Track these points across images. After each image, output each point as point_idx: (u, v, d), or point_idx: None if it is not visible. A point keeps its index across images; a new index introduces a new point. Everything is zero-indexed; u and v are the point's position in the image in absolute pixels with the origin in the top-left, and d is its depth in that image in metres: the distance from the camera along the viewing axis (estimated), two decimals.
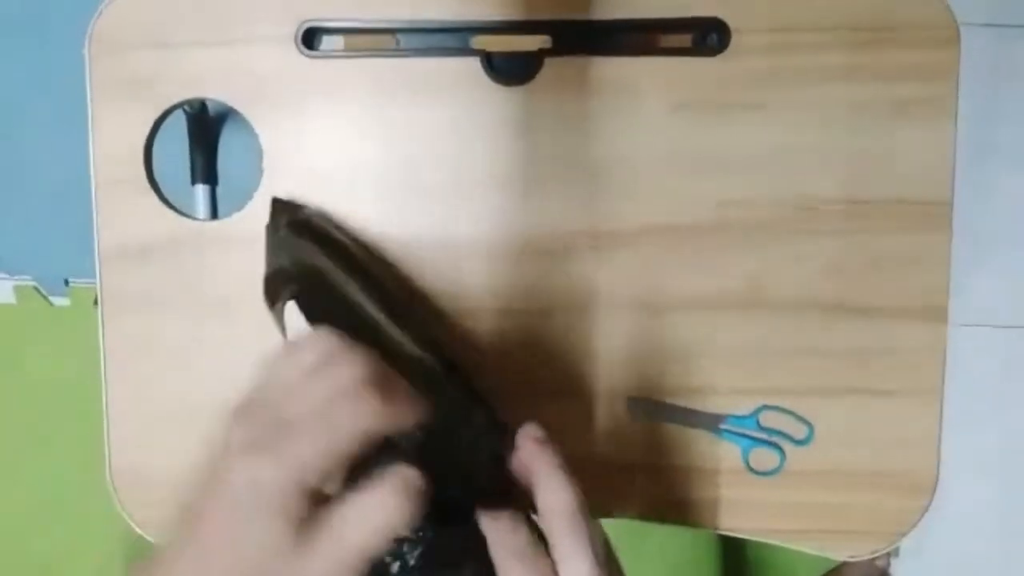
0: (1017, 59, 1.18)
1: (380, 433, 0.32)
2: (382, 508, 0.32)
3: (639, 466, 0.61)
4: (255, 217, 0.60)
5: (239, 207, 0.60)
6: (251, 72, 0.59)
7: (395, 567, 0.35)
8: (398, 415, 0.33)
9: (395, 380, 0.34)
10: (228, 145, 1.03)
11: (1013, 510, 1.22)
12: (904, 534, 0.62)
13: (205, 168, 1.01)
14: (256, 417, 0.33)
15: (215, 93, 0.60)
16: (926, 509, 0.61)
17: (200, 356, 0.61)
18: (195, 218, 0.61)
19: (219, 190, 1.03)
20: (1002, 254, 1.19)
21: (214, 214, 1.01)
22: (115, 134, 0.60)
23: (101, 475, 0.61)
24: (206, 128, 1.01)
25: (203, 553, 0.32)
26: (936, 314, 0.60)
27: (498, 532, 0.36)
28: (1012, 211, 1.19)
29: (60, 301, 1.13)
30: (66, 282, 1.12)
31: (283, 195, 0.59)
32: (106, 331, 0.61)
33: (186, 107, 1.06)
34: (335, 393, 0.32)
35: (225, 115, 1.05)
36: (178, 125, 1.02)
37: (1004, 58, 1.17)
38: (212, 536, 0.32)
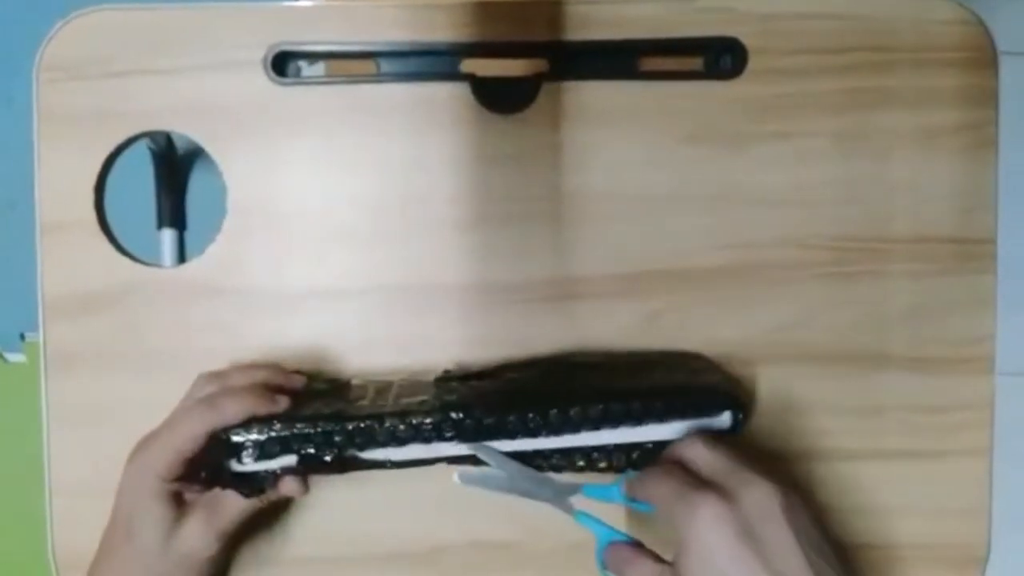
0: None
1: (207, 431, 0.47)
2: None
3: None
4: (217, 263, 0.54)
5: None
6: (215, 102, 0.53)
7: None
8: (219, 419, 0.47)
9: (228, 394, 0.48)
10: (198, 185, 0.96)
11: None
12: None
13: (172, 211, 0.95)
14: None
15: (174, 125, 0.54)
16: None
17: (156, 420, 0.54)
18: (149, 263, 0.55)
19: (188, 235, 0.97)
20: None
21: (182, 262, 0.94)
22: (63, 171, 0.54)
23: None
24: (173, 167, 0.95)
25: (112, 526, 0.48)
26: (982, 365, 0.54)
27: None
28: None
29: (15, 357, 1.09)
30: (22, 336, 1.08)
31: (247, 239, 0.53)
32: (49, 392, 0.55)
33: (151, 144, 1.01)
34: (182, 411, 0.49)
35: (195, 153, 0.98)
36: (144, 164, 0.96)
37: None
38: (117, 520, 0.48)
